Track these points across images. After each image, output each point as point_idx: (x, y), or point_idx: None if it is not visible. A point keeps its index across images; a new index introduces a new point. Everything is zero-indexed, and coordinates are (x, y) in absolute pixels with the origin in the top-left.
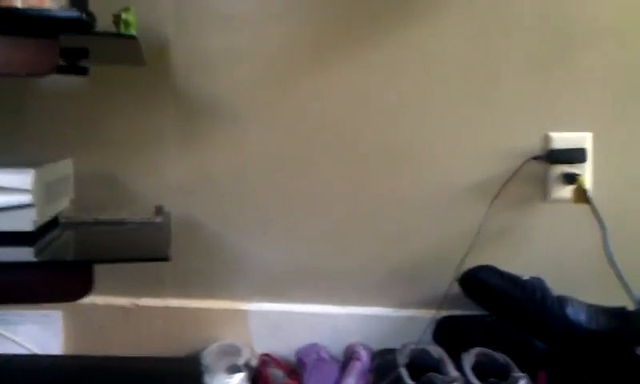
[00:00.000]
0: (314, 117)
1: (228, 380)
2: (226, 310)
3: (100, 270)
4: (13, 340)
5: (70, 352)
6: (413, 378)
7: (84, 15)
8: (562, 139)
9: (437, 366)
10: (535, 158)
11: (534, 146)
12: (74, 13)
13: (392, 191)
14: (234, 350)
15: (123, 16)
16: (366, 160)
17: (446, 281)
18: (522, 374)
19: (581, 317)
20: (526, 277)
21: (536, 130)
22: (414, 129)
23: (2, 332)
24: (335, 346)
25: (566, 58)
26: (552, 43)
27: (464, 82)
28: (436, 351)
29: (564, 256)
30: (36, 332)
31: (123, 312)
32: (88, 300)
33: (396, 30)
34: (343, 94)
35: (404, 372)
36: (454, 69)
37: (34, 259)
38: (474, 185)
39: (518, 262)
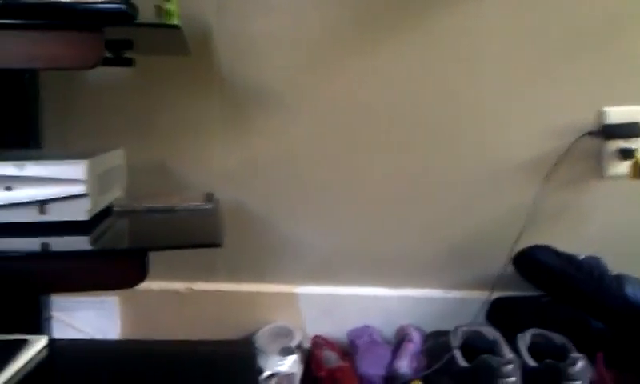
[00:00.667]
0: (358, 99)
1: (281, 362)
2: (277, 294)
3: (154, 256)
4: (71, 325)
5: (126, 336)
6: (467, 359)
7: (127, 7)
8: (617, 113)
9: (491, 348)
10: (590, 133)
11: (589, 121)
12: (117, 5)
13: (443, 171)
14: (286, 332)
15: (165, 6)
16: (415, 141)
17: (499, 261)
18: (580, 355)
19: None
20: (582, 256)
21: (590, 105)
22: (464, 108)
23: (62, 317)
24: (387, 328)
25: (619, 31)
26: (605, 17)
27: (514, 58)
28: (490, 333)
29: (622, 233)
30: (93, 317)
31: (177, 296)
32: (143, 285)
33: (442, 9)
34: (388, 76)
35: (458, 354)
36: (503, 45)
37: (89, 248)
38: (526, 163)
39: (573, 241)
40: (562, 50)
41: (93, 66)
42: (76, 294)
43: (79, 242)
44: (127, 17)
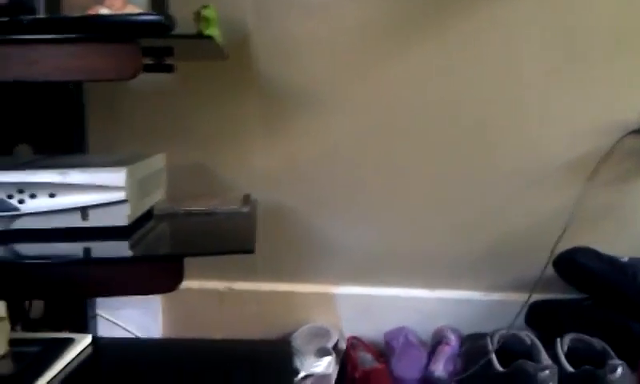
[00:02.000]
0: (397, 99)
1: (317, 363)
2: (315, 294)
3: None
4: (116, 323)
5: (168, 334)
6: (503, 364)
7: (163, 18)
8: None
9: (529, 352)
10: (634, 131)
11: (632, 119)
12: (153, 17)
13: (482, 171)
14: (323, 333)
15: (203, 13)
16: (453, 141)
17: (539, 263)
18: (620, 362)
19: None
20: (625, 258)
21: (633, 103)
22: (504, 107)
23: (106, 316)
24: (424, 330)
25: None
26: None
27: (554, 56)
28: (528, 337)
29: None
30: (137, 316)
31: (218, 296)
32: (184, 285)
33: (479, 7)
34: (426, 76)
35: (494, 358)
36: (541, 41)
37: (128, 253)
38: (569, 162)
39: (617, 243)
40: (603, 48)
41: (131, 77)
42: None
43: (119, 247)
44: (164, 28)
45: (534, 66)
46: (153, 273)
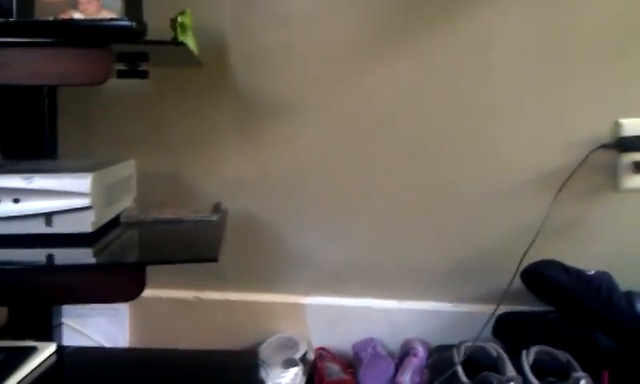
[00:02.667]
0: (371, 111)
1: (283, 374)
2: (284, 304)
3: (163, 265)
4: (82, 332)
5: (135, 344)
6: (469, 375)
7: (135, 24)
8: (633, 125)
9: (494, 364)
10: (604, 146)
11: (603, 133)
12: (125, 22)
13: (452, 184)
14: (291, 343)
15: (179, 19)
16: (424, 153)
17: (507, 275)
18: (584, 374)
19: None
20: (592, 271)
21: (605, 117)
22: (476, 119)
23: (72, 325)
24: (392, 341)
25: (634, 42)
26: (620, 27)
27: (527, 68)
28: (494, 348)
29: (634, 248)
30: (104, 324)
31: (186, 305)
32: (152, 294)
33: (452, 21)
34: (401, 87)
35: (460, 370)
36: (515, 56)
37: (91, 260)
38: (538, 175)
39: (584, 256)
40: (577, 62)
41: (101, 82)
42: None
43: (82, 255)
44: (135, 34)
45: (507, 81)
46: (114, 281)
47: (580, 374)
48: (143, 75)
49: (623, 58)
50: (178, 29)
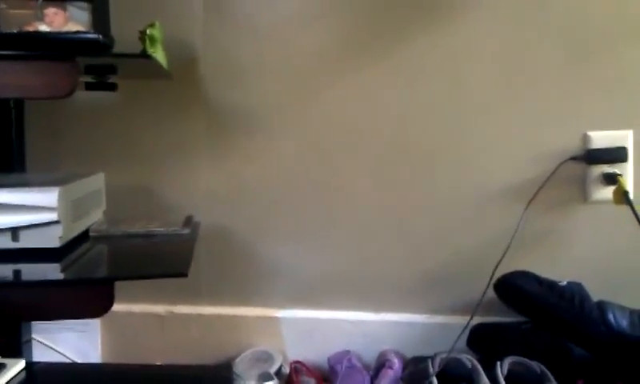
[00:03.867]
0: (344, 123)
1: None
2: (259, 317)
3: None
4: (53, 348)
5: (107, 359)
6: None
7: (101, 37)
8: (601, 138)
9: (469, 376)
10: (573, 158)
11: (572, 145)
12: (91, 35)
13: (425, 196)
14: (266, 357)
15: (148, 32)
16: (398, 165)
17: (481, 286)
18: None
19: (623, 323)
20: (564, 282)
21: (574, 129)
22: (447, 132)
23: (43, 341)
24: (368, 353)
25: (603, 55)
26: (589, 39)
27: (497, 81)
28: (469, 360)
29: (605, 260)
30: (75, 340)
31: (158, 319)
32: (125, 308)
33: (424, 33)
34: (373, 99)
35: (435, 381)
36: (485, 69)
37: (60, 275)
38: (509, 187)
39: (556, 267)
40: (546, 75)
41: (67, 96)
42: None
43: (50, 270)
44: (101, 46)
45: (479, 94)
46: (83, 296)
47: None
48: (112, 88)
49: (591, 71)
50: (147, 41)
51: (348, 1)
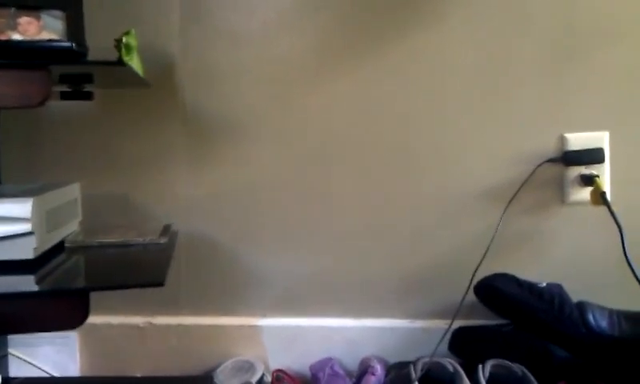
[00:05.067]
0: (323, 129)
1: None
2: (240, 326)
3: (113, 291)
4: (30, 363)
5: (86, 372)
6: None
7: (74, 45)
8: (578, 139)
9: (451, 380)
10: (551, 160)
11: (549, 147)
12: (64, 43)
13: (404, 200)
14: (248, 367)
15: (124, 40)
16: (377, 170)
17: (461, 290)
18: None
19: (602, 323)
20: (543, 283)
21: (551, 132)
22: (425, 136)
23: (20, 355)
24: (350, 360)
25: (579, 57)
26: (565, 42)
27: (474, 85)
28: (451, 364)
29: (583, 260)
30: (53, 354)
31: (138, 331)
32: (103, 320)
33: (402, 38)
34: (351, 105)
35: None
36: (463, 73)
37: (34, 288)
38: (488, 190)
39: (535, 268)
40: (523, 77)
41: (39, 105)
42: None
43: (24, 282)
44: (76, 55)
45: (456, 95)
46: (57, 308)
47: None
48: (88, 97)
49: (568, 73)
50: (123, 49)
51: (326, 6)
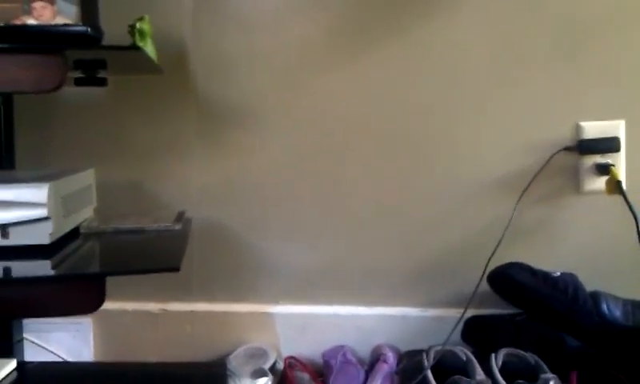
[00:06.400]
0: (336, 117)
1: None
2: (252, 313)
3: (127, 278)
4: (45, 348)
5: (100, 358)
6: (439, 380)
7: (89, 29)
8: (593, 128)
9: (464, 368)
10: (566, 148)
11: (565, 136)
12: (79, 28)
13: (418, 188)
14: (260, 354)
15: (138, 26)
16: (391, 158)
17: (474, 279)
18: (552, 375)
19: (616, 313)
20: (557, 273)
21: (566, 120)
22: (439, 123)
23: (35, 340)
24: (362, 348)
25: (595, 45)
26: (580, 30)
27: (489, 73)
28: (463, 352)
29: (598, 250)
30: (68, 339)
31: (151, 317)
32: (117, 306)
33: (416, 24)
34: (364, 92)
35: (429, 375)
36: (477, 60)
37: (50, 272)
38: (502, 178)
39: (549, 258)
40: (538, 65)
41: (55, 89)
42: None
43: (41, 267)
44: (91, 40)
45: (470, 85)
46: (74, 292)
47: (549, 375)
48: (102, 83)
49: (583, 61)
50: (137, 35)
51: None
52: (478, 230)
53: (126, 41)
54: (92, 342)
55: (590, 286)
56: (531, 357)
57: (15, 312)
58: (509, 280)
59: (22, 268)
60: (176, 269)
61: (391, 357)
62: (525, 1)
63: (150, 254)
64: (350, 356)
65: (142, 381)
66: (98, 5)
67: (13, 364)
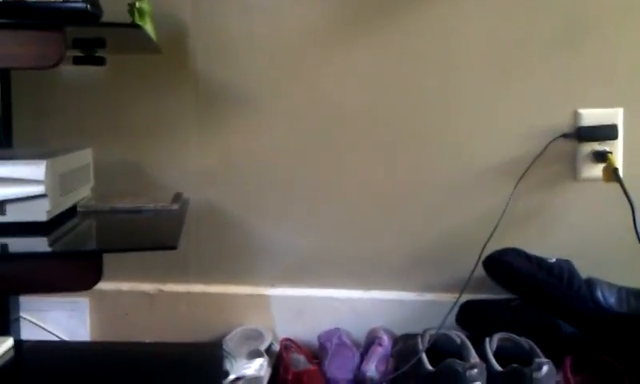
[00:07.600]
0: (335, 100)
1: (247, 365)
2: (249, 295)
3: (124, 257)
4: (42, 327)
5: (96, 338)
6: (434, 363)
7: (89, 6)
8: (592, 115)
9: (458, 352)
10: (564, 135)
11: (563, 123)
12: (78, 4)
13: (415, 173)
14: (256, 335)
15: (137, 4)
16: (389, 142)
17: (470, 264)
18: (546, 360)
19: (610, 300)
20: (553, 259)
21: (564, 107)
22: (438, 109)
23: (32, 319)
24: (358, 331)
25: (593, 33)
26: (579, 18)
27: (488, 58)
28: (458, 336)
29: (594, 237)
30: (64, 318)
31: (148, 298)
32: (113, 286)
33: (415, 11)
34: (363, 77)
35: (424, 357)
36: (477, 47)
37: (47, 249)
38: (499, 165)
39: (545, 244)
40: (537, 52)
41: (53, 66)
42: (32, 296)
43: (38, 243)
44: (90, 16)
45: (470, 70)
46: (71, 269)
47: (542, 359)
48: (100, 62)
49: (582, 48)
50: (136, 14)
51: None
52: (476, 215)
53: (126, 20)
54: (89, 322)
55: (585, 272)
56: (525, 341)
57: (12, 288)
58: (504, 265)
59: (18, 244)
60: (173, 247)
61: (386, 340)
62: None
63: (148, 232)
64: (345, 339)
65: (138, 360)
66: None
67: (10, 342)
